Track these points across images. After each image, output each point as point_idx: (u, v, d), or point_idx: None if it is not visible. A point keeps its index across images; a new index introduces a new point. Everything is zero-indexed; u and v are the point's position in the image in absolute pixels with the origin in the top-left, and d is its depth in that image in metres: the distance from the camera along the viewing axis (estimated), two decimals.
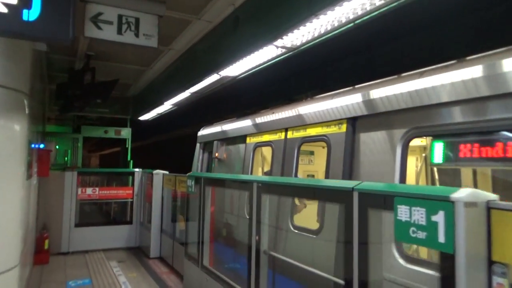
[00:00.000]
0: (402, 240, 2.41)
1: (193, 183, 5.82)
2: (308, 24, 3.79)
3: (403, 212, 2.29)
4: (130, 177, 9.84)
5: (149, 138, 17.87)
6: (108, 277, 6.82)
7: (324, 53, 6.01)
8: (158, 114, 10.61)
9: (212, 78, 6.22)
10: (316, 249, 4.06)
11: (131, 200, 9.55)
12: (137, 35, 4.40)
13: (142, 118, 11.64)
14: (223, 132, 7.23)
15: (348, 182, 2.74)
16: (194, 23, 5.75)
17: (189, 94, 7.43)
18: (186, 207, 6.23)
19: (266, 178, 4.21)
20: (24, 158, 4.26)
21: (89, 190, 9.10)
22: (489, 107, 2.74)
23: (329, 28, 3.87)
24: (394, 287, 2.97)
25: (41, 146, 7.86)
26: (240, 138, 6.43)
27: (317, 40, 4.25)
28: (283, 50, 4.63)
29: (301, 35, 4.15)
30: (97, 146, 27.41)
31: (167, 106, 9.16)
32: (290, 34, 4.09)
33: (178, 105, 8.84)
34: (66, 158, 13.65)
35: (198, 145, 8.54)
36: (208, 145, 7.96)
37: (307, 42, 4.28)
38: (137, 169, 9.78)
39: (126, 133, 13.47)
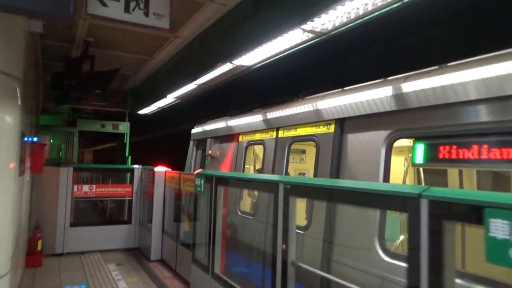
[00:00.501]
0: (498, 262, 1.94)
1: (202, 182, 5.32)
2: (347, 2, 3.29)
3: (498, 227, 1.81)
4: (129, 174, 9.32)
5: (149, 133, 17.29)
6: (107, 282, 6.30)
7: (352, 41, 5.51)
8: (159, 108, 10.05)
9: (224, 68, 5.70)
10: (304, 245, 4.22)
11: (130, 198, 9.03)
12: (146, 14, 3.88)
13: (142, 112, 11.07)
14: (216, 130, 7.34)
15: (412, 187, 2.27)
16: (207, 7, 5.21)
17: (196, 86, 6.90)
18: (194, 208, 5.73)
19: (297, 178, 3.72)
20: (16, 152, 3.74)
21: (85, 188, 8.56)
22: (466, 112, 2.92)
23: (370, 8, 3.38)
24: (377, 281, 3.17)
25: (35, 139, 7.30)
26: (233, 137, 6.55)
27: (352, 24, 3.75)
28: (310, 36, 4.12)
29: (334, 17, 3.64)
30: (91, 141, 26.63)
31: (169, 99, 8.62)
32: (323, 15, 3.58)
33: (182, 98, 8.30)
34: (60, 153, 13.05)
35: (191, 142, 8.61)
36: (201, 142, 8.09)
37: (342, 25, 3.77)
38: (136, 166, 9.25)
39: (124, 127, 12.87)
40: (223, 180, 4.95)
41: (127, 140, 12.81)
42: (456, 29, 4.96)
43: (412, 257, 2.23)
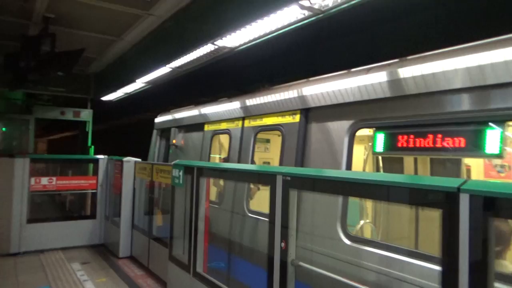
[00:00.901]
0: None
1: (181, 173, 4.89)
2: None
3: None
4: (93, 166, 8.63)
5: (114, 121, 16.33)
6: (72, 284, 5.73)
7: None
8: (126, 94, 9.38)
9: (204, 50, 5.24)
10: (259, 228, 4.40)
11: (95, 191, 8.36)
12: None
13: (106, 98, 10.32)
14: (181, 119, 7.30)
15: (448, 180, 2.00)
16: None
17: (170, 69, 6.37)
18: (171, 202, 5.27)
19: (300, 169, 3.40)
20: None
21: (44, 180, 7.80)
22: (421, 103, 3.09)
23: None
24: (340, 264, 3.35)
25: None
26: (198, 126, 6.54)
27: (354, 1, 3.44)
28: (307, 14, 3.77)
29: None
30: (45, 130, 24.92)
31: (139, 84, 8.01)
32: None
33: (153, 83, 7.73)
34: (14, 143, 11.97)
35: (155, 131, 8.46)
36: (165, 132, 7.98)
37: (342, 2, 3.45)
38: (102, 156, 8.58)
39: (86, 115, 11.94)
40: (207, 172, 4.55)
41: (89, 128, 11.92)
42: (439, 17, 4.80)
43: (448, 262, 1.97)
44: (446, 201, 1.99)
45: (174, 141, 7.33)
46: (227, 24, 4.52)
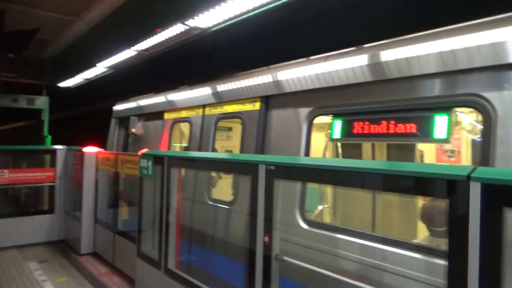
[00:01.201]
0: None
1: (150, 164, 4.55)
2: None
3: None
4: (50, 157, 8.02)
5: (73, 110, 15.37)
6: (29, 286, 5.25)
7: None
8: (86, 79, 8.76)
9: (173, 31, 4.87)
10: (231, 219, 4.46)
11: (52, 184, 7.78)
12: None
13: (63, 84, 9.61)
14: (140, 107, 7.21)
15: (455, 167, 1.84)
16: None
17: (136, 52, 5.93)
18: (139, 194, 4.91)
19: (285, 158, 3.17)
20: None
21: None
22: (376, 91, 3.18)
23: None
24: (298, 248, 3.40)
25: None
26: (158, 114, 6.48)
27: None
28: None
29: None
30: None
31: (100, 68, 7.46)
32: None
33: (116, 67, 7.22)
34: None
35: (113, 120, 8.38)
36: (124, 120, 7.90)
37: None
38: (60, 147, 7.98)
39: (42, 102, 11.07)
40: (179, 162, 4.23)
41: (46, 117, 11.08)
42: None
43: (457, 258, 1.81)
44: (454, 191, 1.83)
45: (133, 130, 7.26)
46: (199, 2, 4.18)
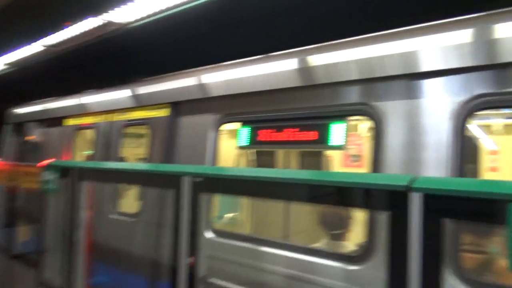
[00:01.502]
0: None
1: (55, 177, 3.97)
2: None
3: None
4: None
5: None
6: None
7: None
8: None
9: (86, 25, 4.34)
10: (136, 232, 4.23)
11: None
12: None
13: None
14: (38, 112, 6.78)
15: (394, 176, 1.70)
16: None
17: (43, 48, 5.25)
18: (41, 212, 4.25)
19: (215, 169, 2.85)
20: None
21: None
22: (280, 99, 3.24)
23: None
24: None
25: None
26: (59, 120, 6.11)
27: None
28: None
29: None
30: None
31: None
32: None
33: (19, 65, 6.35)
34: None
35: (7, 127, 7.73)
36: (20, 127, 7.31)
37: None
38: None
39: None
40: (90, 173, 3.71)
41: None
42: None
43: (396, 271, 1.67)
44: (394, 202, 1.70)
45: (30, 137, 6.69)
46: None
